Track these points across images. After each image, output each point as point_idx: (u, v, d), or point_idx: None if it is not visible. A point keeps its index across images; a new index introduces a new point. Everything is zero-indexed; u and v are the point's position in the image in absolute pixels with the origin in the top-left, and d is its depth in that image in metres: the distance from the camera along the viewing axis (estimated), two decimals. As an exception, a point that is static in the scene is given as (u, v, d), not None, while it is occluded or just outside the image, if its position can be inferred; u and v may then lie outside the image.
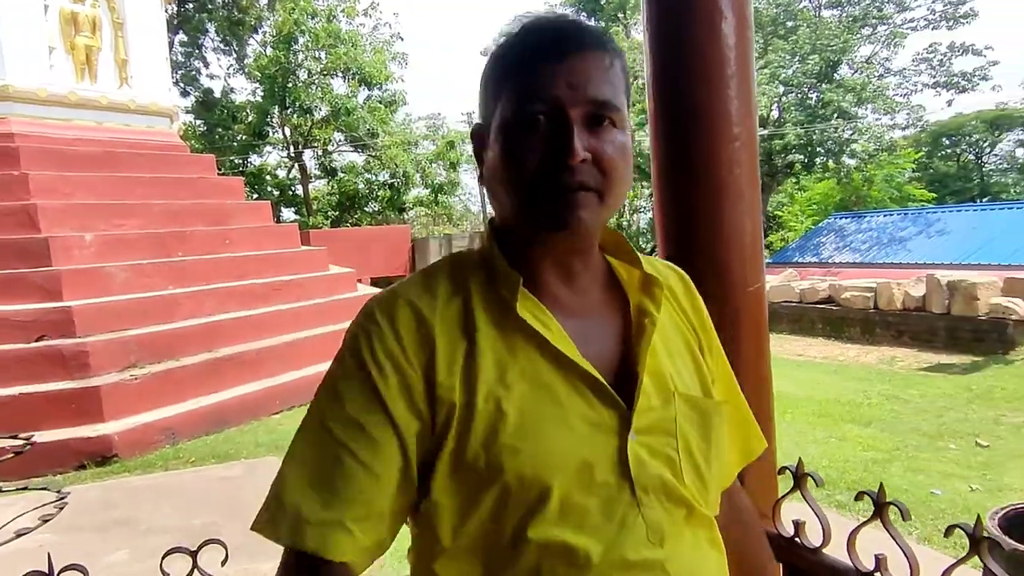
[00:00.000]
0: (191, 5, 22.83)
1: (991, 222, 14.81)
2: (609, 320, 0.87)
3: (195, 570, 1.36)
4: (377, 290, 11.34)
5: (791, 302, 12.52)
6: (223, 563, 1.40)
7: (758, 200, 1.67)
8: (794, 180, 23.38)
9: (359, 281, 11.11)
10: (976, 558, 1.13)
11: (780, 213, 25.93)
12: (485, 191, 0.88)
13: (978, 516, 1.22)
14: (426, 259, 22.84)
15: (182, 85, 23.00)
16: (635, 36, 23.81)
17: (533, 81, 0.78)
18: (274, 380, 7.91)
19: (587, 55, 0.79)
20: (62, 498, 5.26)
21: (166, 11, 11.94)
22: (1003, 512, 2.20)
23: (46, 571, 1.28)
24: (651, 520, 0.79)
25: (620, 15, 24.51)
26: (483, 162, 0.86)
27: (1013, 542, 1.90)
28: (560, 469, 0.76)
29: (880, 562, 1.20)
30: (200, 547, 1.36)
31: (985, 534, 1.19)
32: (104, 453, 6.20)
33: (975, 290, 9.92)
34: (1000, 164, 35.08)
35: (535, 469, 0.76)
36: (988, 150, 34.68)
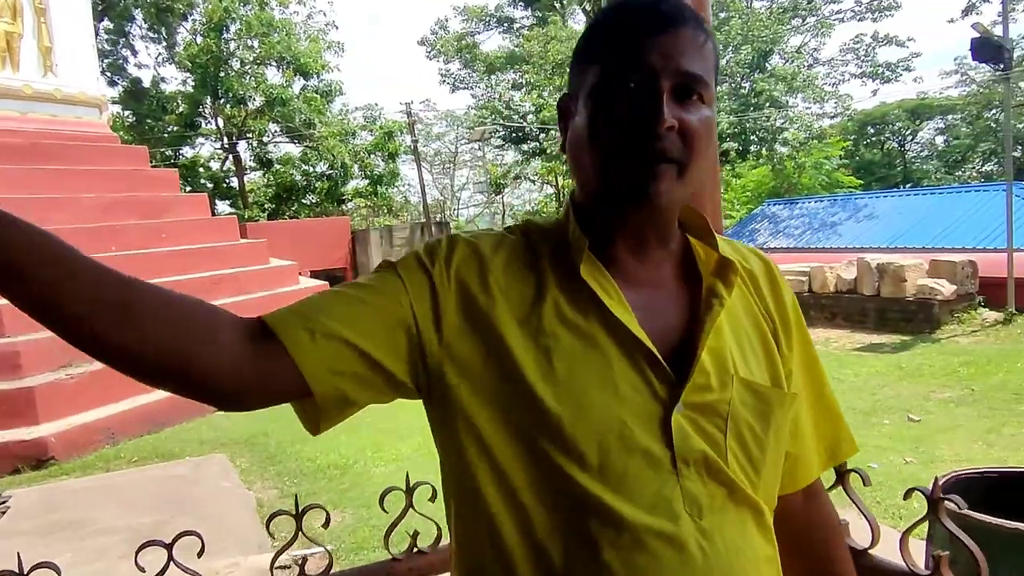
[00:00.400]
0: (115, -10, 21.98)
1: (915, 207, 15.45)
2: (678, 296, 0.87)
3: (171, 562, 1.34)
4: (318, 282, 11.13)
5: (729, 287, 12.83)
6: (199, 554, 1.38)
7: (718, 186, 1.73)
8: (730, 167, 23.93)
9: (300, 274, 10.94)
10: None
11: (716, 200, 26.45)
12: (568, 160, 0.88)
13: (935, 479, 1.30)
14: (366, 251, 22.58)
15: (109, 74, 22.14)
16: (572, 25, 23.96)
17: (629, 49, 0.79)
18: (217, 376, 7.74)
19: (682, 30, 0.79)
20: (3, 502, 5.06)
21: (91, -4, 11.47)
22: (944, 480, 2.32)
23: (16, 571, 1.25)
24: (689, 492, 0.79)
25: (557, 4, 24.61)
26: (566, 132, 0.87)
27: (970, 511, 2.01)
28: (600, 426, 0.78)
29: (938, 562, 1.22)
30: (175, 539, 1.34)
31: (942, 496, 1.27)
32: (40, 456, 5.99)
33: (903, 272, 10.35)
34: (921, 152, 36.56)
35: (574, 420, 0.77)
36: (910, 138, 36.08)
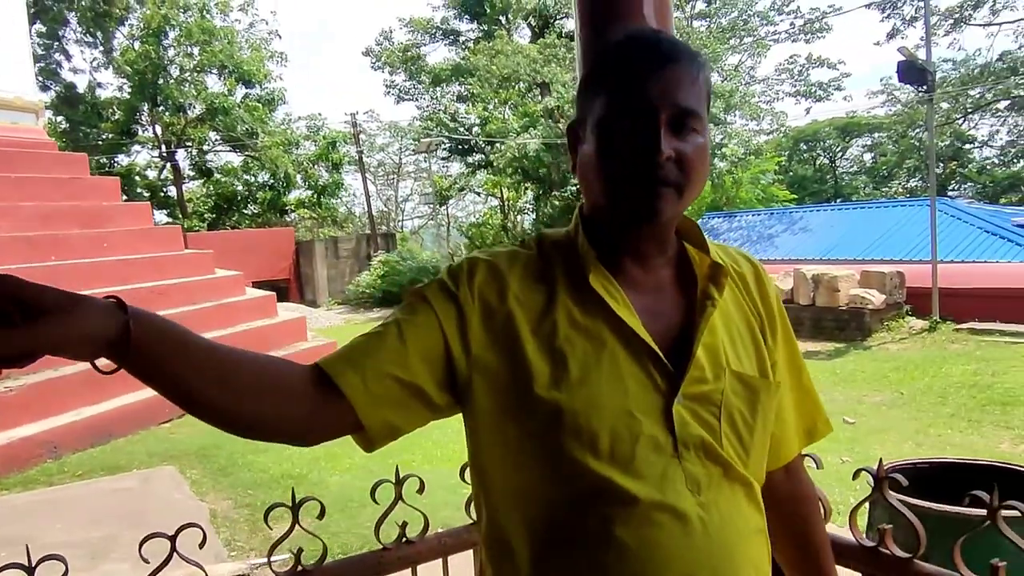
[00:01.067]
0: (49, -7, 21.35)
1: (847, 221, 16.10)
2: (677, 299, 0.97)
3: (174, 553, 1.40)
4: (262, 293, 10.97)
5: (672, 297, 13.15)
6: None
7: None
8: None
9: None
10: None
11: (658, 213, 27.00)
12: (578, 181, 0.99)
13: (880, 460, 1.45)
14: (311, 262, 22.35)
15: (41, 79, 21.44)
16: (517, 39, 24.23)
17: (632, 85, 0.88)
18: (163, 388, 7.60)
19: (679, 67, 0.89)
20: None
21: None
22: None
23: (26, 564, 1.29)
24: (690, 472, 0.89)
25: (502, 18, 24.87)
26: (576, 153, 0.97)
27: (916, 499, 2.19)
28: (610, 417, 0.88)
29: (883, 534, 1.36)
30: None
31: (887, 474, 1.42)
32: (-22, 471, 5.80)
33: (836, 283, 10.80)
34: (851, 168, 38.01)
35: (589, 414, 0.87)
36: (840, 154, 37.49)
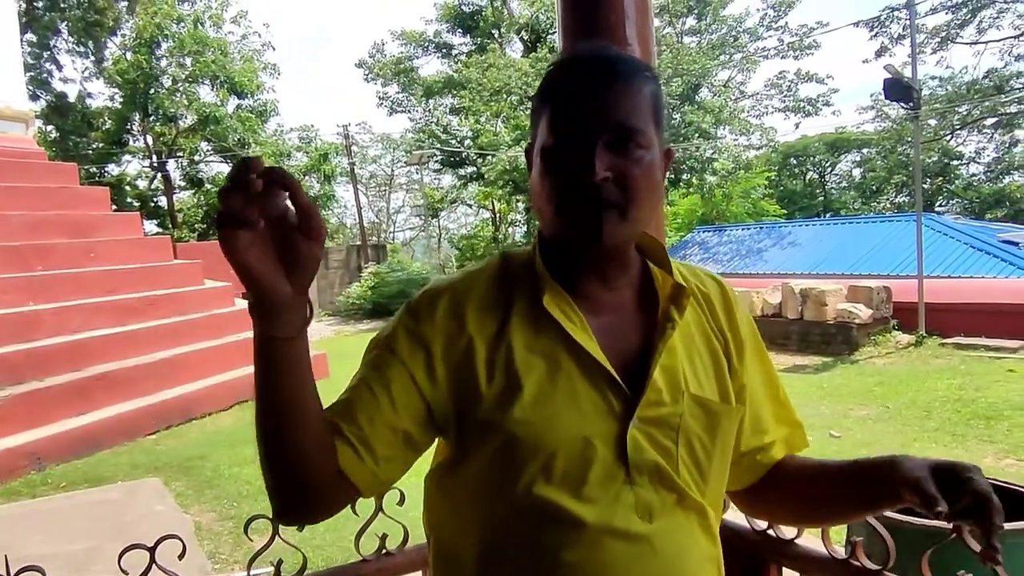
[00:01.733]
0: (40, 3, 21.32)
1: (835, 235, 16.24)
2: (637, 320, 0.96)
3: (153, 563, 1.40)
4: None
5: (662, 311, 13.19)
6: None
7: (661, 216, 1.89)
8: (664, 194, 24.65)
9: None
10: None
11: (648, 227, 27.16)
12: (531, 203, 0.99)
13: (851, 473, 1.46)
14: (301, 273, 22.27)
15: (32, 88, 21.41)
16: (510, 53, 24.37)
17: (567, 109, 0.88)
18: (149, 399, 7.57)
19: (615, 85, 0.87)
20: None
21: (16, 7, 11.17)
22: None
23: (3, 572, 1.29)
24: (641, 498, 0.88)
25: (495, 32, 25.02)
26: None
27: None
28: (564, 441, 0.87)
29: (855, 546, 1.38)
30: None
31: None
32: (-39, 482, 5.75)
33: (824, 297, 10.86)
34: (840, 183, 38.34)
35: (542, 437, 0.87)
36: (829, 170, 37.82)
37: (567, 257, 0.95)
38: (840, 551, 1.44)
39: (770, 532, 1.59)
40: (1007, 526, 2.03)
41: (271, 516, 1.50)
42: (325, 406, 0.91)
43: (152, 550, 1.42)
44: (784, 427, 1.09)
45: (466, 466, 0.93)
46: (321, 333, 17.41)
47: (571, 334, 0.90)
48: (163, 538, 1.44)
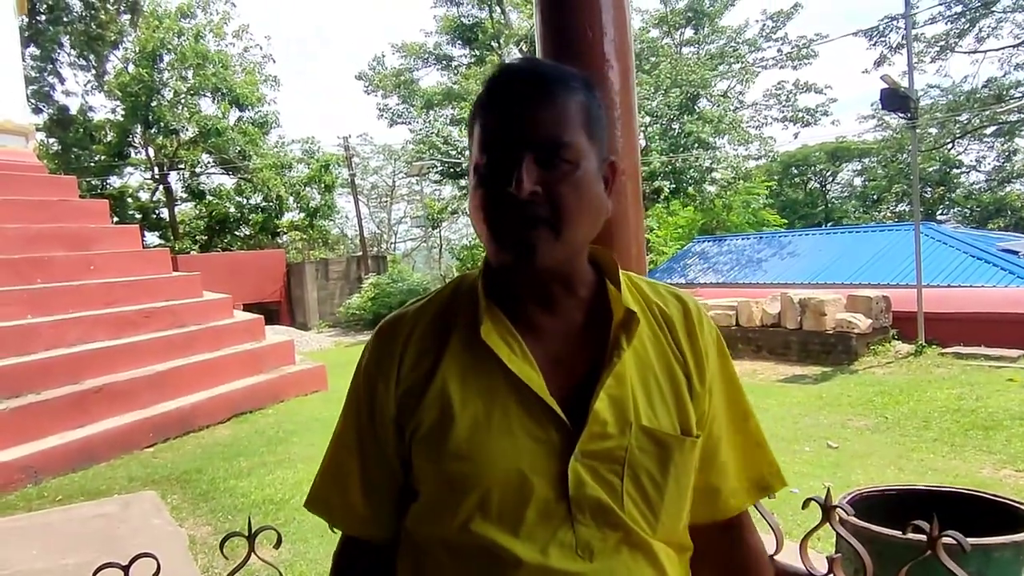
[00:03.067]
0: (43, 17, 21.46)
1: (834, 245, 16.21)
2: (586, 344, 0.91)
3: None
4: (252, 316, 10.97)
5: (661, 321, 13.16)
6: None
7: (642, 227, 1.90)
8: (663, 206, 24.66)
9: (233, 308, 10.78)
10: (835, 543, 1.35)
11: (649, 237, 27.22)
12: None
13: (827, 489, 1.46)
14: (301, 284, 22.33)
15: (34, 102, 21.55)
16: (509, 65, 24.41)
17: (494, 125, 0.86)
18: (147, 411, 7.56)
19: (542, 100, 0.84)
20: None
21: (18, 21, 11.24)
22: (848, 498, 2.53)
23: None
24: (582, 536, 0.84)
25: (494, 44, 25.12)
26: None
27: (860, 521, 2.21)
28: (499, 476, 0.84)
29: (832, 563, 1.39)
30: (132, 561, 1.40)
31: (834, 503, 1.44)
32: (-43, 496, 5.74)
33: (823, 307, 10.85)
34: (841, 192, 38.36)
35: (476, 473, 0.85)
36: (831, 179, 37.86)
37: (511, 280, 0.91)
38: (819, 568, 1.44)
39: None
40: (991, 540, 2.01)
41: (246, 534, 1.52)
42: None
43: (126, 568, 1.42)
44: (752, 469, 1.01)
45: (415, 503, 0.93)
46: (321, 344, 17.40)
47: (509, 365, 0.86)
48: (137, 556, 1.44)
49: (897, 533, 1.96)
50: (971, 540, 2.09)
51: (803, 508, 1.50)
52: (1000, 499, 2.48)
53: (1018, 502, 2.42)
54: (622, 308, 0.91)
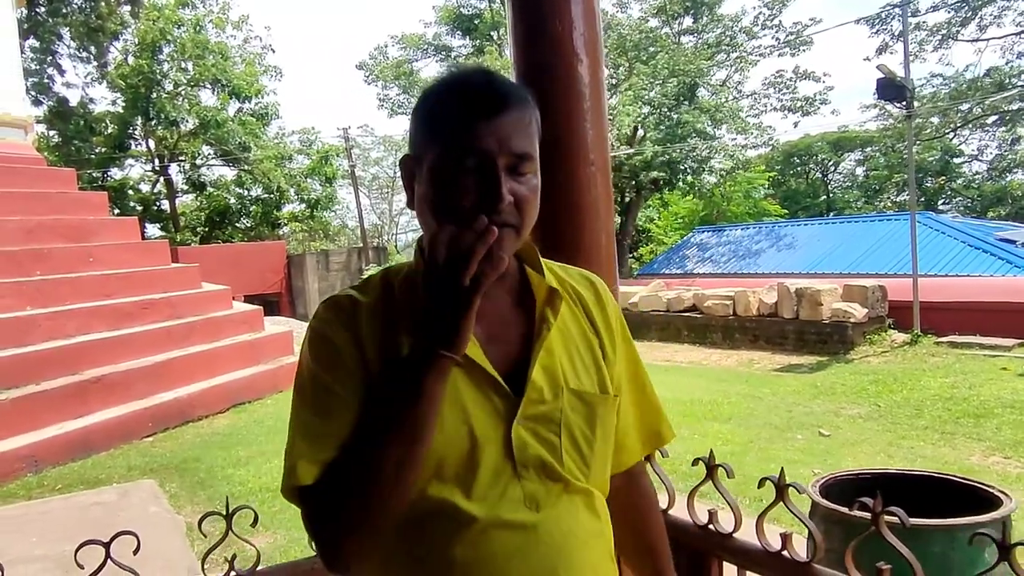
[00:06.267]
0: (43, 9, 21.45)
1: (832, 235, 16.25)
2: (516, 324, 1.02)
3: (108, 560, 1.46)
4: (251, 307, 11.02)
5: (659, 311, 13.24)
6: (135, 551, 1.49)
7: (611, 217, 1.94)
8: (663, 195, 24.64)
9: (233, 299, 10.84)
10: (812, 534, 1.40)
11: (650, 227, 27.22)
12: (416, 215, 1.01)
13: (781, 469, 1.51)
14: (302, 275, 22.39)
15: (34, 94, 21.53)
16: (508, 56, 24.40)
17: (467, 133, 0.91)
18: (145, 402, 7.64)
19: (512, 114, 0.92)
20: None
21: (17, 13, 11.26)
22: (823, 481, 2.58)
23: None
24: (528, 491, 0.94)
25: (493, 34, 25.08)
26: (412, 190, 1.00)
27: (827, 502, 2.26)
28: (454, 444, 0.92)
29: (785, 539, 1.44)
30: (112, 539, 1.46)
31: (788, 483, 1.49)
32: (-43, 485, 5.82)
33: (819, 297, 10.89)
34: (843, 182, 38.27)
35: (434, 443, 0.90)
36: (833, 169, 37.76)
37: None
38: (774, 545, 1.49)
39: (711, 527, 1.64)
40: (957, 521, 2.06)
41: (224, 514, 1.58)
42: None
43: (107, 546, 1.48)
44: (648, 425, 1.17)
45: None
46: (322, 335, 17.46)
47: None
48: (118, 534, 1.50)
49: (844, 509, 2.02)
50: (931, 521, 2.15)
51: (759, 487, 1.55)
52: (971, 482, 2.53)
53: (987, 485, 2.48)
54: (545, 288, 1.02)
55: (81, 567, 1.46)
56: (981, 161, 32.39)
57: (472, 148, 0.91)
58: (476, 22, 24.90)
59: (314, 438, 0.94)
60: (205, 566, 1.66)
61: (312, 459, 0.92)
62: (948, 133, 29.67)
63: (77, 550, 1.45)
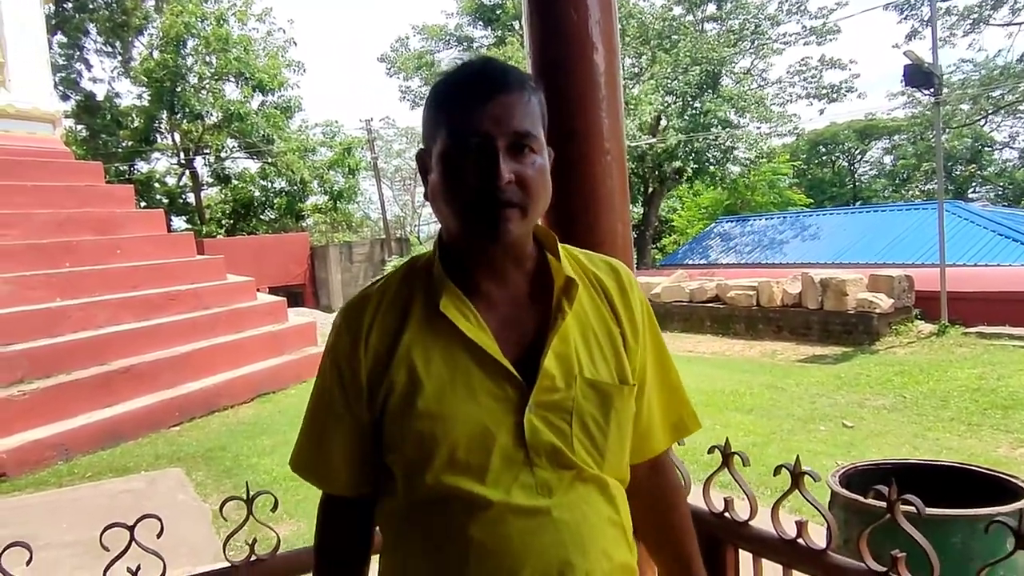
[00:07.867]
0: (70, 5, 21.73)
1: (858, 225, 16.04)
2: (533, 312, 1.03)
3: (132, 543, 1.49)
4: (275, 299, 11.14)
5: (682, 302, 13.17)
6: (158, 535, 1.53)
7: (627, 207, 1.94)
8: (687, 185, 24.43)
9: (257, 290, 10.96)
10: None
11: (672, 217, 27.06)
12: (431, 206, 1.05)
13: (797, 456, 1.51)
14: (326, 267, 22.57)
15: (62, 88, 21.84)
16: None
17: (467, 117, 0.95)
18: (172, 392, 7.76)
19: (510, 94, 0.95)
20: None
21: (45, 10, 11.43)
22: (843, 471, 2.57)
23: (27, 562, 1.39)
24: (540, 477, 0.96)
25: (515, 24, 24.99)
26: (427, 182, 1.03)
27: (846, 491, 2.25)
28: (465, 432, 0.95)
29: (801, 527, 1.45)
30: (137, 521, 1.49)
31: (803, 470, 1.48)
32: (-9, 472, 5.96)
33: (844, 287, 10.76)
34: (870, 170, 37.72)
35: (445, 431, 0.95)
36: (859, 157, 37.22)
37: (467, 257, 1.02)
38: (790, 532, 1.49)
39: (726, 515, 1.64)
40: (975, 511, 2.04)
41: (244, 499, 1.61)
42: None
43: (131, 529, 1.51)
44: (672, 415, 1.17)
45: (389, 464, 1.03)
46: (345, 326, 17.58)
47: (466, 333, 0.97)
48: (142, 517, 1.53)
49: (861, 498, 2.01)
50: (949, 511, 2.13)
51: (775, 475, 1.55)
52: (995, 473, 2.51)
53: (1012, 476, 2.45)
54: (563, 276, 1.03)
55: (107, 549, 1.49)
56: (1013, 148, 31.78)
57: (471, 130, 0.94)
58: (498, 12, 24.82)
59: (309, 433, 1.14)
60: (227, 551, 1.69)
61: (310, 458, 1.14)
62: (979, 120, 29.11)
63: (102, 533, 1.49)
